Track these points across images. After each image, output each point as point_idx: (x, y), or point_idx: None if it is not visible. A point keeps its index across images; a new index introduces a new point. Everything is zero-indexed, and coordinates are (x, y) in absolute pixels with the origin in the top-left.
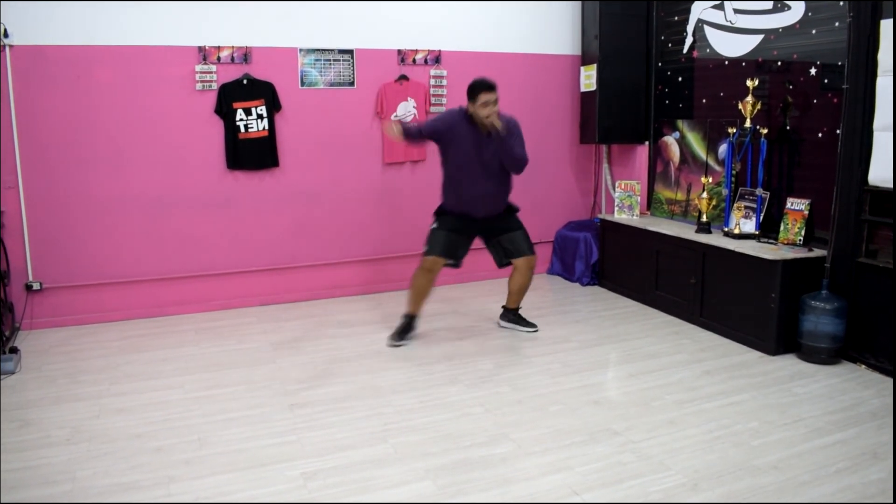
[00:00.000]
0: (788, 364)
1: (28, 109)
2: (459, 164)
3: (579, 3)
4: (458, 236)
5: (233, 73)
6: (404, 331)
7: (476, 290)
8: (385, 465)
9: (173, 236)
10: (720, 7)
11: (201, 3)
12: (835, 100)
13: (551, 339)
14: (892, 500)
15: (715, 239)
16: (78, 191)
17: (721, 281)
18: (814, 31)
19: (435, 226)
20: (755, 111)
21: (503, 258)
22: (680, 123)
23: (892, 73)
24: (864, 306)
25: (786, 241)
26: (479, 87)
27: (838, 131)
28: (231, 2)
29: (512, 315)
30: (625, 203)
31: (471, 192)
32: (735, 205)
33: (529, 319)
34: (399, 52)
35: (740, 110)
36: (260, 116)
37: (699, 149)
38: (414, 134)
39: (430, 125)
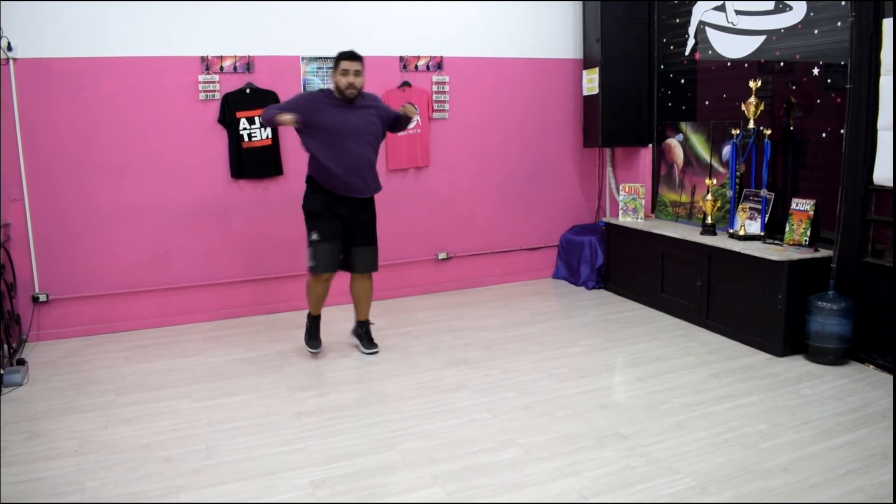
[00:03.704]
0: (796, 365)
1: (32, 122)
2: (329, 137)
3: (580, 7)
4: (334, 243)
5: (236, 83)
6: (312, 334)
7: (481, 296)
8: (393, 472)
9: (179, 246)
10: (721, 9)
11: (203, 13)
12: (838, 100)
13: (558, 344)
14: (892, 501)
15: (720, 241)
16: (83, 202)
17: (727, 283)
18: (816, 32)
19: (315, 237)
20: (758, 112)
21: (345, 266)
22: (683, 126)
23: (893, 73)
24: (872, 306)
25: (791, 242)
26: (340, 56)
27: (842, 131)
28: (233, 11)
29: (360, 329)
30: (629, 206)
31: (343, 162)
32: (740, 206)
33: (374, 340)
34: (401, 58)
35: (743, 111)
36: (263, 125)
37: (703, 151)
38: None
39: (289, 106)
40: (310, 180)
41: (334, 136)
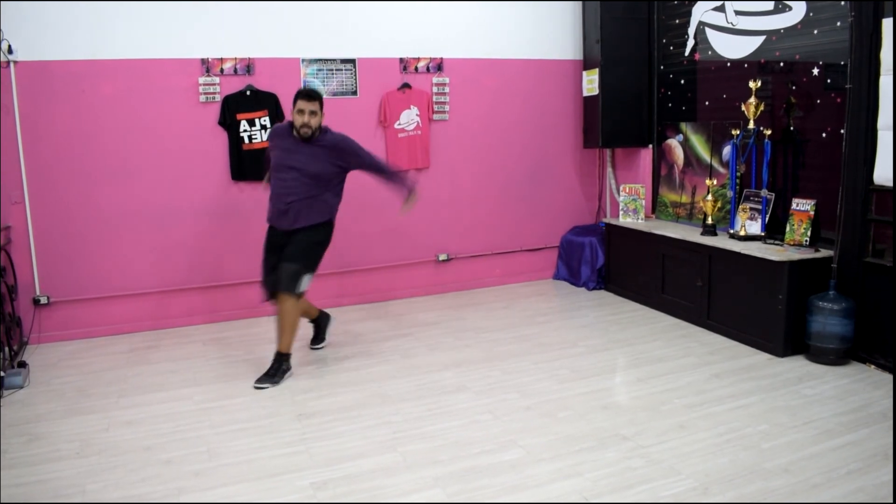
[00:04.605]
0: (797, 366)
1: (33, 124)
2: (275, 169)
3: (580, 7)
4: (270, 276)
5: (236, 85)
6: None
7: (481, 297)
8: (394, 474)
9: (179, 248)
10: (721, 9)
11: (204, 15)
12: (838, 99)
13: (559, 345)
14: (892, 501)
15: (721, 241)
16: (84, 204)
17: (728, 283)
18: (815, 32)
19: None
20: (758, 112)
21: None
22: (683, 126)
23: (893, 72)
24: (873, 306)
25: (792, 242)
26: (297, 95)
27: (842, 131)
28: (233, 13)
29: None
30: (629, 207)
31: (279, 198)
32: (740, 207)
33: (273, 375)
34: (401, 60)
35: (743, 112)
36: (263, 127)
37: (703, 151)
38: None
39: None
40: None
41: (276, 170)
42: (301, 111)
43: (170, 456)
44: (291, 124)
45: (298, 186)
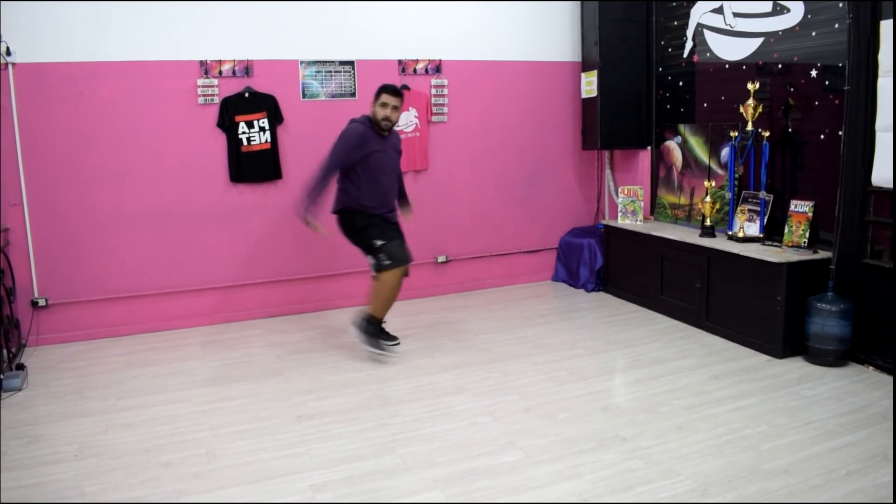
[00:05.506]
0: (796, 367)
1: (31, 126)
2: (378, 166)
3: (579, 9)
4: (399, 239)
5: (234, 87)
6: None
7: (480, 299)
8: (394, 476)
9: (178, 250)
10: (719, 11)
11: (202, 17)
12: (836, 101)
13: (558, 346)
14: (892, 502)
15: (719, 243)
16: (82, 206)
17: (726, 284)
18: (814, 34)
19: (380, 242)
20: (757, 114)
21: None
22: (682, 128)
23: (891, 74)
24: (871, 307)
25: (790, 244)
26: (382, 88)
27: (841, 133)
28: (232, 15)
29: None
30: (628, 208)
31: (389, 196)
32: (738, 208)
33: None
34: (400, 62)
35: (742, 113)
36: (262, 129)
37: (701, 153)
38: (320, 188)
39: (343, 156)
40: (346, 211)
41: (382, 169)
42: (385, 104)
43: (169, 458)
44: (366, 122)
45: (394, 183)
